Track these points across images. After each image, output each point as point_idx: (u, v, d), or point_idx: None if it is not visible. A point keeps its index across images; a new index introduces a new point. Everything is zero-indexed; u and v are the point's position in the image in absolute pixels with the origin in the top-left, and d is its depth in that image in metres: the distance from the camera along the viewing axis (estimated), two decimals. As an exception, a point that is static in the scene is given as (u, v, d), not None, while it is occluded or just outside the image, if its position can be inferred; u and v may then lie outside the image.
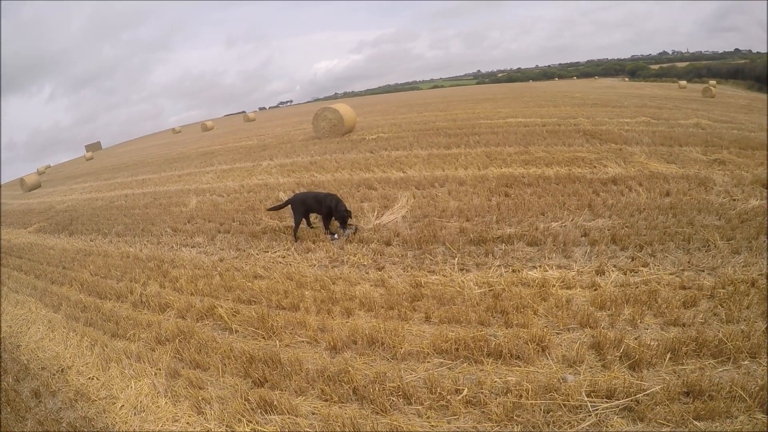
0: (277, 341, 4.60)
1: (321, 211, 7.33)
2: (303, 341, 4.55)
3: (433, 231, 6.72)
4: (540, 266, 5.38)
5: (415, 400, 3.48)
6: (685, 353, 3.55)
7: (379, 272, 5.86)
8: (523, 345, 3.86)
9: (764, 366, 3.35)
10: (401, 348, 4.10)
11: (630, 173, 8.65)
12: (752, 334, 3.63)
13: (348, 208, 7.21)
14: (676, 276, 4.82)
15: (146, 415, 3.90)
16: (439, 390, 3.50)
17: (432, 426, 3.23)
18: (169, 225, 9.89)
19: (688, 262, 5.08)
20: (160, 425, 3.73)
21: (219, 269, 6.83)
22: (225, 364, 4.34)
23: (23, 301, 7.52)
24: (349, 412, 3.46)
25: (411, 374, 3.80)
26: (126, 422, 3.87)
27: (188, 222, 9.88)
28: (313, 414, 3.55)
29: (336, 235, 7.23)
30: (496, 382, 3.54)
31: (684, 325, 3.96)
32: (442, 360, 3.93)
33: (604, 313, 4.29)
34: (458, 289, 5.09)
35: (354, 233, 7.19)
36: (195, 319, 5.43)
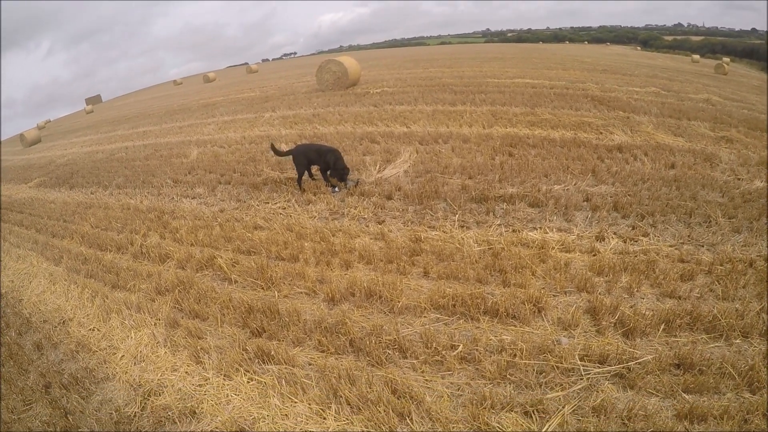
0: (276, 292, 4.65)
1: (321, 164, 7.28)
2: (301, 292, 4.60)
3: (434, 187, 6.68)
4: (540, 228, 5.38)
5: (410, 354, 3.54)
6: (679, 326, 3.59)
7: (380, 226, 5.87)
8: (520, 305, 3.90)
9: (755, 346, 3.38)
10: (399, 302, 4.14)
11: (636, 142, 8.51)
12: (746, 314, 3.65)
13: (347, 166, 7.14)
14: (676, 248, 4.82)
15: (146, 364, 3.98)
16: (434, 345, 3.56)
17: (426, 380, 3.30)
18: (170, 176, 9.81)
19: (689, 235, 5.06)
20: (159, 374, 3.80)
21: (219, 220, 6.83)
22: (224, 314, 4.39)
23: (24, 256, 7.55)
24: (345, 363, 3.53)
25: (407, 328, 3.86)
26: (126, 372, 3.95)
27: (189, 173, 9.80)
28: (310, 365, 3.62)
29: (337, 188, 7.19)
30: (491, 340, 3.60)
31: (680, 297, 3.98)
32: (438, 315, 3.98)
33: (602, 279, 4.31)
34: (458, 245, 5.10)
35: (355, 186, 7.15)
36: (195, 269, 5.46)
